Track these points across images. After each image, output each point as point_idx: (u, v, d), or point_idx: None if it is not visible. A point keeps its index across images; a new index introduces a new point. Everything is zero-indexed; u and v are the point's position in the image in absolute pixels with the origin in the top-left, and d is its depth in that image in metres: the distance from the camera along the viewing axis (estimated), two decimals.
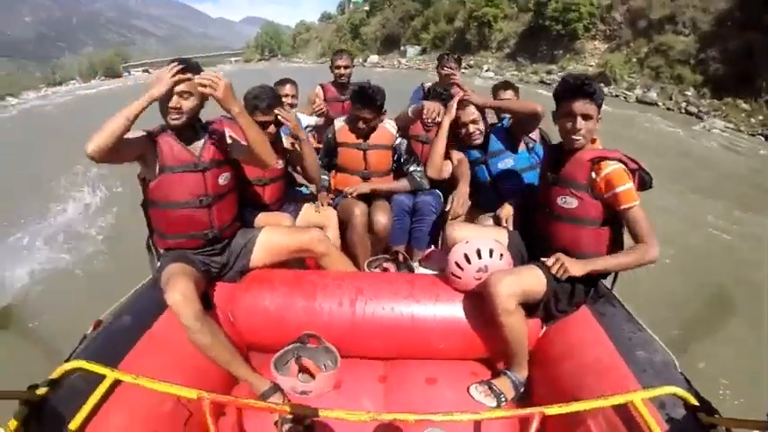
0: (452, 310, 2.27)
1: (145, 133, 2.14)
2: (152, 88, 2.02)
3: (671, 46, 20.75)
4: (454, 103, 2.93)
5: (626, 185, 1.98)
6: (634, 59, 22.82)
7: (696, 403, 1.59)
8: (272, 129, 2.74)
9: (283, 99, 3.38)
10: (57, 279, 6.10)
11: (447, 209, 2.88)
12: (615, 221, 2.10)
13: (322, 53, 63.08)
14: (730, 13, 19.06)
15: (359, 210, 3.03)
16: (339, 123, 3.28)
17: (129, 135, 2.02)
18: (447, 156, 3.07)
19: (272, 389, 2.03)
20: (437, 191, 3.29)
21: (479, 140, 2.96)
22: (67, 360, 1.74)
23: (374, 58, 47.31)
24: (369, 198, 3.21)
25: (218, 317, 2.22)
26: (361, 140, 3.18)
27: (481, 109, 2.96)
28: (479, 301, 2.16)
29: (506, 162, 2.95)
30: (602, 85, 19.65)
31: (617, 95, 20.80)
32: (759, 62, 16.49)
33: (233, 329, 2.28)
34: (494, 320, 2.06)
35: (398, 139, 3.23)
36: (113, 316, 2.10)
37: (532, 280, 2.10)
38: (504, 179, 2.94)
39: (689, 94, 18.85)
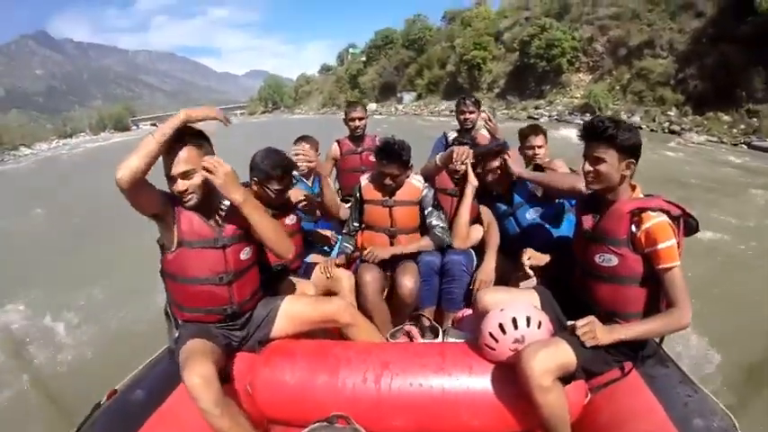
0: (486, 383, 2.10)
1: (168, 192, 2.03)
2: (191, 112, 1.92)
3: (651, 70, 21.75)
4: (471, 172, 2.91)
5: (668, 242, 1.85)
6: (617, 87, 23.87)
7: None
8: (289, 194, 2.73)
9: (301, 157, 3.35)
10: (74, 339, 5.65)
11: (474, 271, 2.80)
12: (657, 277, 1.95)
13: (323, 104, 65.41)
14: (703, 31, 19.91)
15: (370, 276, 2.88)
16: (364, 180, 3.16)
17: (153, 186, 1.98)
18: (477, 219, 3.00)
19: None
20: (469, 249, 3.11)
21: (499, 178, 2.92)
22: (96, 408, 1.76)
23: (372, 105, 48.25)
24: (394, 260, 3.05)
25: (236, 389, 2.10)
26: (386, 197, 3.05)
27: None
28: (514, 373, 1.98)
29: (535, 212, 2.85)
30: (587, 114, 19.63)
31: None
32: (735, 73, 17.10)
33: (252, 403, 2.15)
34: (530, 397, 1.92)
35: (424, 192, 3.08)
36: (127, 387, 2.00)
37: (566, 353, 1.94)
38: (534, 230, 2.83)
39: (671, 114, 19.52)
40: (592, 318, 1.98)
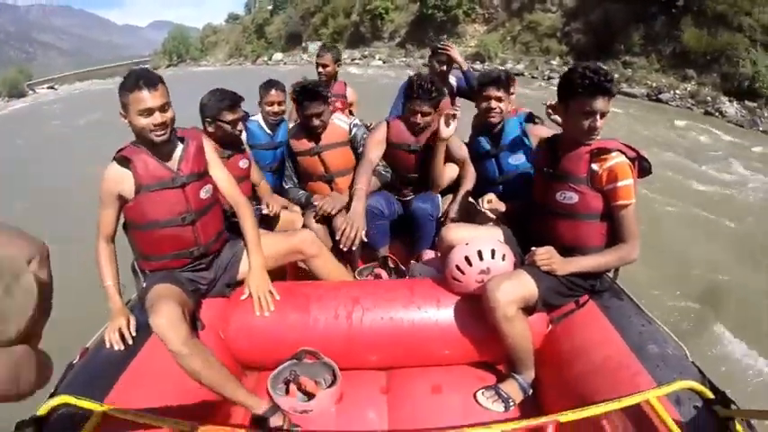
0: (454, 314, 2.16)
1: (117, 178, 1.99)
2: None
3: (540, 23, 22.93)
4: (443, 123, 2.65)
5: (627, 181, 1.91)
6: (508, 38, 25.01)
7: (711, 396, 1.53)
8: (240, 126, 2.68)
9: (268, 107, 3.20)
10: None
11: (442, 215, 2.79)
12: (612, 214, 2.04)
13: (230, 55, 62.30)
14: None
15: (315, 224, 2.91)
16: (290, 134, 3.12)
17: (110, 209, 2.00)
18: (449, 157, 2.91)
19: (271, 410, 1.85)
20: (434, 195, 3.01)
21: (495, 120, 2.72)
22: (53, 394, 1.64)
23: (279, 55, 47.38)
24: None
25: (208, 336, 2.04)
26: (313, 144, 2.99)
27: (508, 90, 2.70)
28: (481, 305, 2.04)
29: (518, 158, 2.76)
30: (477, 63, 20.50)
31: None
32: (616, 29, 18.32)
33: (225, 349, 2.11)
34: (495, 327, 1.98)
35: (353, 131, 3.03)
36: (98, 343, 1.91)
37: (528, 284, 2.01)
38: (514, 177, 2.78)
39: (554, 63, 20.71)
40: (550, 247, 2.07)
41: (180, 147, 2.13)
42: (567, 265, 2.04)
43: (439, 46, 3.59)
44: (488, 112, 2.67)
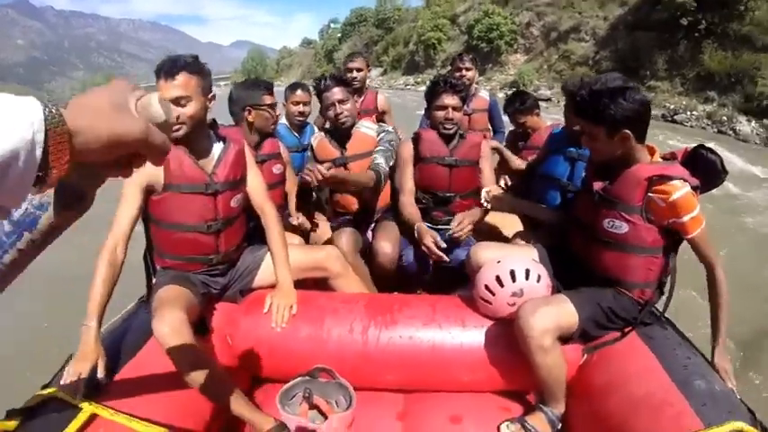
0: (480, 337, 1.89)
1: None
2: None
3: (573, 52, 23.48)
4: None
5: (693, 213, 1.62)
6: (545, 66, 25.63)
7: None
8: (278, 110, 2.44)
9: (294, 107, 2.99)
10: (43, 285, 4.65)
11: (452, 232, 2.34)
12: (668, 247, 1.74)
13: (302, 76, 63.53)
14: (623, 18, 21.30)
15: (344, 237, 2.52)
16: (315, 141, 2.69)
17: (134, 198, 1.76)
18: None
19: (277, 428, 1.64)
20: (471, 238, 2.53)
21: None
22: (46, 386, 1.51)
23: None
24: (368, 219, 2.71)
25: (215, 341, 1.86)
26: (338, 154, 2.61)
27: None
28: (510, 328, 1.78)
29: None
30: (514, 89, 22.40)
31: None
32: (643, 56, 18.54)
33: (232, 356, 1.92)
34: (527, 356, 1.69)
35: (380, 136, 2.61)
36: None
37: (568, 312, 1.74)
38: (547, 183, 2.49)
39: None
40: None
41: (219, 148, 1.91)
42: (722, 356, 1.70)
43: None
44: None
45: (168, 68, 1.70)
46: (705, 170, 1.72)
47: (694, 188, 1.65)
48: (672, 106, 16.26)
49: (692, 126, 14.84)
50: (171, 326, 1.55)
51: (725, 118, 14.04)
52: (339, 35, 60.83)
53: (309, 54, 72.67)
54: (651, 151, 1.76)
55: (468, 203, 2.54)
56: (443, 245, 2.23)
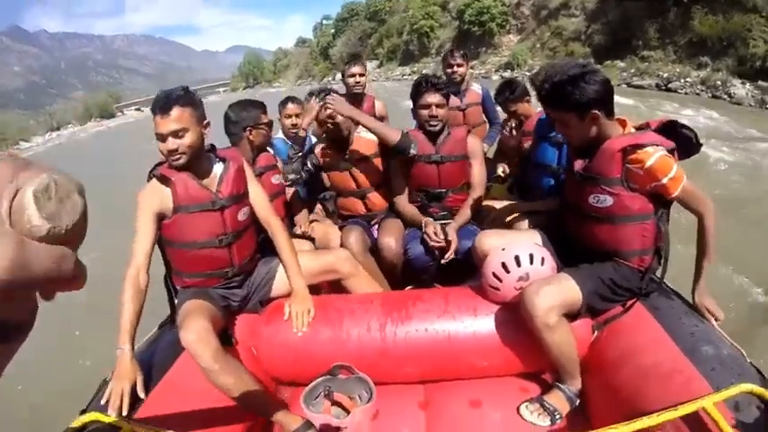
0: (493, 324, 1.95)
1: (156, 200, 1.84)
2: None
3: (565, 28, 23.51)
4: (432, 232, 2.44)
5: (672, 173, 1.64)
6: (538, 45, 25.60)
7: None
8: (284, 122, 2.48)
9: (287, 120, 3.07)
10: (77, 320, 4.85)
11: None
12: (657, 212, 1.77)
13: (299, 76, 64.79)
14: None
15: (353, 236, 2.57)
16: (318, 147, 2.80)
17: (148, 226, 1.83)
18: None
19: (304, 427, 1.71)
20: (474, 227, 2.62)
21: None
22: (84, 411, 1.58)
23: (339, 75, 50.63)
24: (373, 216, 2.79)
25: (241, 353, 1.92)
26: (341, 159, 2.70)
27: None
28: (521, 312, 1.82)
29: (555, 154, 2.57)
30: (508, 71, 21.50)
31: (518, 77, 23.18)
32: (634, 26, 18.53)
33: (257, 365, 1.97)
34: (536, 336, 1.73)
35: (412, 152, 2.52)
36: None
37: (571, 289, 1.78)
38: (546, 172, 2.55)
39: None
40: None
41: (220, 167, 1.99)
42: (702, 295, 1.80)
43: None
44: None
45: (162, 104, 1.76)
46: (682, 143, 1.76)
47: (670, 151, 1.69)
48: (665, 75, 16.22)
49: (686, 93, 14.76)
50: (197, 333, 1.62)
51: (719, 83, 13.96)
52: (332, 31, 60.53)
53: (305, 53, 72.20)
54: (623, 124, 1.81)
55: (462, 197, 2.62)
56: (443, 236, 2.39)
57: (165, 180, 1.86)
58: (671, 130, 1.78)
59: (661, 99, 14.00)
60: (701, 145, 1.79)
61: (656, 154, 1.65)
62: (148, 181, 1.90)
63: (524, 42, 26.90)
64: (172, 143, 1.78)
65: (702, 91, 14.34)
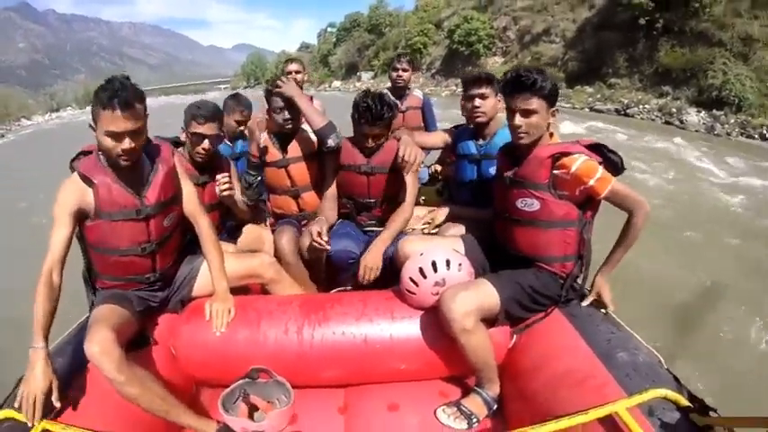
0: (410, 328, 1.92)
1: (76, 194, 1.68)
2: None
3: (543, 53, 24.23)
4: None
5: (597, 174, 1.68)
6: None
7: (688, 404, 1.34)
8: (206, 144, 2.22)
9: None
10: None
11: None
12: (581, 220, 1.79)
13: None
14: (590, 20, 22.03)
15: (285, 237, 2.47)
16: (262, 139, 2.64)
17: (65, 222, 1.65)
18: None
19: (220, 431, 1.65)
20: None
21: (481, 119, 2.40)
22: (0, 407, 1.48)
23: (337, 83, 50.00)
24: (306, 219, 2.67)
25: (159, 353, 1.83)
26: (280, 155, 2.57)
27: (494, 87, 2.36)
28: (438, 317, 1.79)
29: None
30: None
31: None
32: (606, 55, 19.30)
33: (176, 365, 1.89)
34: (454, 340, 1.69)
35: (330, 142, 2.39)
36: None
37: (489, 294, 1.76)
38: (491, 185, 2.29)
39: None
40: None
41: (151, 170, 1.81)
42: (602, 281, 1.84)
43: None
44: (474, 111, 2.38)
45: (123, 99, 1.56)
46: (610, 165, 1.79)
47: (599, 163, 1.72)
48: (626, 101, 16.97)
49: (642, 118, 15.53)
50: (99, 344, 1.50)
51: (674, 110, 14.72)
52: (334, 40, 60.79)
53: (306, 58, 73.13)
54: (550, 134, 1.85)
55: (392, 209, 2.47)
56: (326, 237, 2.30)
57: (87, 180, 1.68)
58: (599, 151, 1.81)
59: (617, 124, 14.73)
60: (624, 168, 1.82)
61: (580, 159, 1.70)
62: (72, 171, 1.75)
63: (506, 65, 27.44)
64: (129, 143, 1.60)
65: (657, 117, 15.15)
